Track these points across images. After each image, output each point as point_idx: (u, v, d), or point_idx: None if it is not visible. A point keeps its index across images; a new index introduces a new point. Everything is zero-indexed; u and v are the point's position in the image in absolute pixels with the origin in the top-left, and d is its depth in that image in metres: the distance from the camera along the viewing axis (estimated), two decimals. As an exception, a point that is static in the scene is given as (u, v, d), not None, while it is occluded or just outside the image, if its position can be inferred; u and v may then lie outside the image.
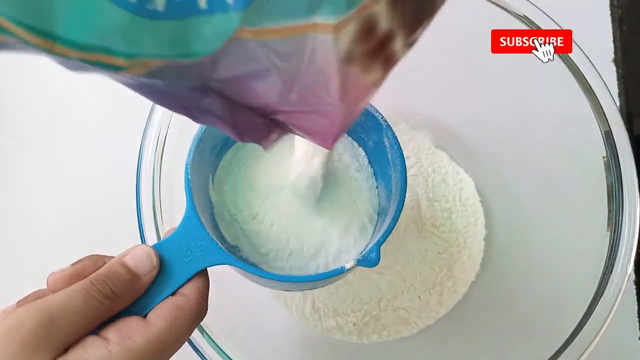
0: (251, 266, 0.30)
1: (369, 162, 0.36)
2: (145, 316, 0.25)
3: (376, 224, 0.34)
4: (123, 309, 0.25)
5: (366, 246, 0.33)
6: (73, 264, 0.25)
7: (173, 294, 0.26)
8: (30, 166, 0.50)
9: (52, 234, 0.48)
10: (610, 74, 0.50)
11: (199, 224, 0.28)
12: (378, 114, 0.32)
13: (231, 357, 0.34)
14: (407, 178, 0.31)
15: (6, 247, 0.48)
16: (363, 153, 0.36)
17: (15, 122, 0.51)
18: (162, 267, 0.26)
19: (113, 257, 0.26)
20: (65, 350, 0.22)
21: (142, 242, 0.35)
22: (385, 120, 0.32)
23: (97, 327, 0.23)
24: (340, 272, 0.29)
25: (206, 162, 0.32)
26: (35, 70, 0.51)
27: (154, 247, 0.27)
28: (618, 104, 0.41)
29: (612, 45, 0.51)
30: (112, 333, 0.23)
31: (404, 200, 0.30)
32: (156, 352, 0.23)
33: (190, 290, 0.26)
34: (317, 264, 0.32)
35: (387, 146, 0.32)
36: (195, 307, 0.25)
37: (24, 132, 0.51)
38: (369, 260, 0.29)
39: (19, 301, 0.24)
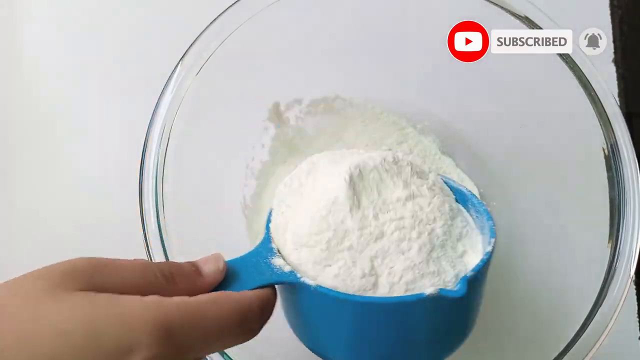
0: (318, 286, 0.28)
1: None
2: None
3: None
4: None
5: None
6: None
7: None
8: (32, 167, 0.50)
9: (54, 234, 0.48)
10: (610, 74, 0.50)
11: (271, 248, 0.31)
12: (468, 191, 0.35)
13: (231, 357, 0.34)
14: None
15: (7, 247, 0.48)
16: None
17: (16, 122, 0.51)
18: (230, 278, 0.27)
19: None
20: None
21: (145, 240, 0.35)
22: (470, 191, 0.35)
23: None
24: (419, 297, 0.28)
25: None
26: (36, 71, 0.51)
27: (227, 261, 0.28)
28: (618, 104, 0.41)
29: (612, 45, 0.51)
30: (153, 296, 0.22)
31: (488, 263, 0.32)
32: (188, 325, 0.22)
33: (248, 292, 0.26)
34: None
35: (474, 214, 0.34)
36: (245, 303, 0.25)
37: (26, 132, 0.51)
38: (453, 292, 0.28)
39: None
